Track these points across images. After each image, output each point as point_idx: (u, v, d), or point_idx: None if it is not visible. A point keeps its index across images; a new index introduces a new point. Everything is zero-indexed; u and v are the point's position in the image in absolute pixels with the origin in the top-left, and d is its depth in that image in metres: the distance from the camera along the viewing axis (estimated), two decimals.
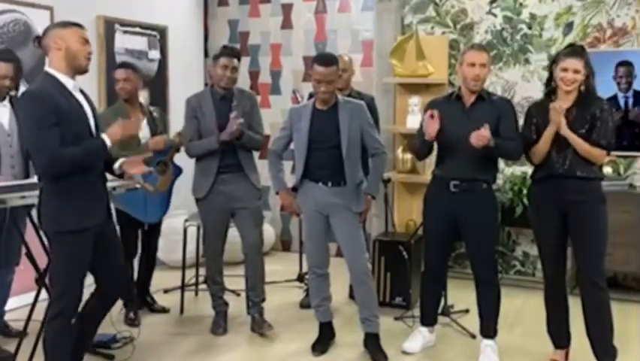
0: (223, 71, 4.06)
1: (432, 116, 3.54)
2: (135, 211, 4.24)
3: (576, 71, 3.33)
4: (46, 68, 2.98)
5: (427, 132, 3.58)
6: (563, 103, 3.40)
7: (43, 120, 2.82)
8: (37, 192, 3.09)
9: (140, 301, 4.59)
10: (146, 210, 4.26)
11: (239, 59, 4.14)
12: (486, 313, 3.74)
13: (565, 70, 3.35)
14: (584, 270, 3.42)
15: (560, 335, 3.63)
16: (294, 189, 3.88)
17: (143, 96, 4.31)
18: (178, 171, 4.44)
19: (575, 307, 3.51)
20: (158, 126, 4.44)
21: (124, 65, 4.40)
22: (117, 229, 4.25)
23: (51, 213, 2.97)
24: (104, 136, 3.02)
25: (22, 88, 3.87)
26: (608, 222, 3.41)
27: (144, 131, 4.30)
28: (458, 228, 3.70)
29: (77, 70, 3.00)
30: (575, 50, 3.41)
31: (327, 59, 3.67)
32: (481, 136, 3.42)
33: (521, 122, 3.65)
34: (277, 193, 3.95)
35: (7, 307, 4.14)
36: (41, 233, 3.42)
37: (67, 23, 3.01)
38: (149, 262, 4.61)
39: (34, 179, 3.25)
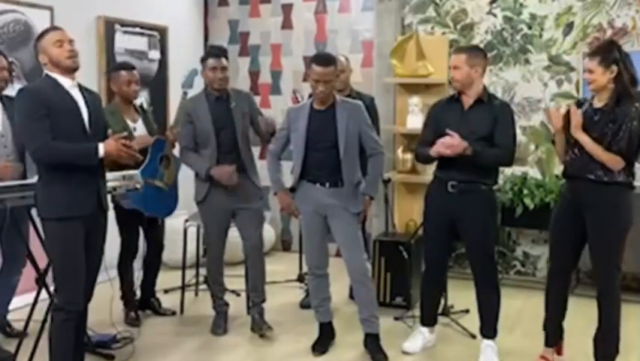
0: (213, 72, 4.03)
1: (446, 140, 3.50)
2: (151, 209, 4.24)
3: (590, 71, 3.28)
4: (45, 71, 3.12)
5: (438, 151, 3.53)
6: (596, 103, 3.34)
7: (33, 112, 2.96)
8: None
9: (144, 304, 4.56)
10: (161, 205, 4.28)
11: (227, 58, 4.12)
12: (486, 313, 3.74)
13: (585, 71, 3.34)
14: (595, 278, 3.40)
15: (553, 333, 3.64)
16: (293, 189, 3.88)
17: (144, 96, 4.29)
18: (179, 161, 4.44)
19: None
20: (151, 123, 4.40)
21: (131, 66, 4.34)
22: (118, 231, 4.32)
23: (42, 198, 3.07)
24: (100, 145, 3.04)
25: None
26: (622, 231, 3.30)
27: (140, 130, 4.29)
28: (457, 228, 3.70)
29: (66, 70, 3.09)
30: (592, 51, 3.36)
31: (324, 59, 3.67)
32: (450, 145, 3.43)
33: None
34: (275, 194, 3.94)
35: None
36: (41, 233, 3.43)
37: (43, 32, 3.13)
38: (155, 263, 4.54)
39: (35, 179, 3.25)
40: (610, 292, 3.35)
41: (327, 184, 3.75)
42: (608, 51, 3.27)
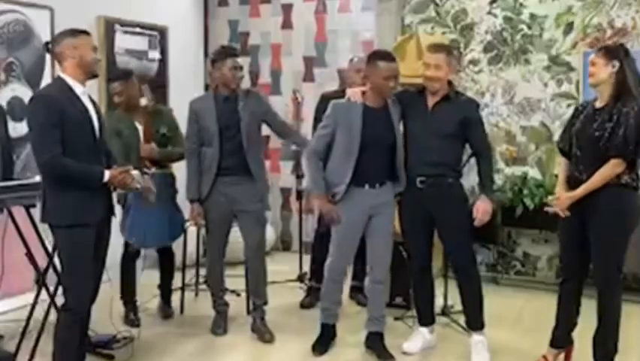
0: (233, 72, 3.98)
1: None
2: (151, 240, 4.26)
3: (592, 64, 3.27)
4: (59, 74, 3.10)
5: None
6: (597, 104, 3.31)
7: (46, 121, 2.93)
8: (36, 193, 3.17)
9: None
10: (162, 229, 4.25)
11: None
12: (469, 304, 3.73)
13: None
14: (596, 278, 3.38)
15: (560, 338, 3.58)
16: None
17: (146, 95, 4.23)
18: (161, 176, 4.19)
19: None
20: (157, 126, 4.30)
21: (118, 77, 4.29)
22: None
23: (51, 206, 3.04)
24: (107, 172, 3.06)
25: (23, 89, 3.89)
26: (624, 233, 3.27)
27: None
28: (433, 223, 3.71)
29: (90, 75, 3.11)
30: (599, 48, 3.35)
31: (390, 55, 3.72)
32: (486, 213, 3.58)
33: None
34: (306, 195, 3.85)
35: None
36: (41, 233, 3.43)
37: (77, 32, 3.10)
38: (169, 267, 4.57)
39: (35, 178, 3.26)
40: (609, 294, 3.33)
41: (378, 185, 3.69)
42: (613, 48, 3.30)
